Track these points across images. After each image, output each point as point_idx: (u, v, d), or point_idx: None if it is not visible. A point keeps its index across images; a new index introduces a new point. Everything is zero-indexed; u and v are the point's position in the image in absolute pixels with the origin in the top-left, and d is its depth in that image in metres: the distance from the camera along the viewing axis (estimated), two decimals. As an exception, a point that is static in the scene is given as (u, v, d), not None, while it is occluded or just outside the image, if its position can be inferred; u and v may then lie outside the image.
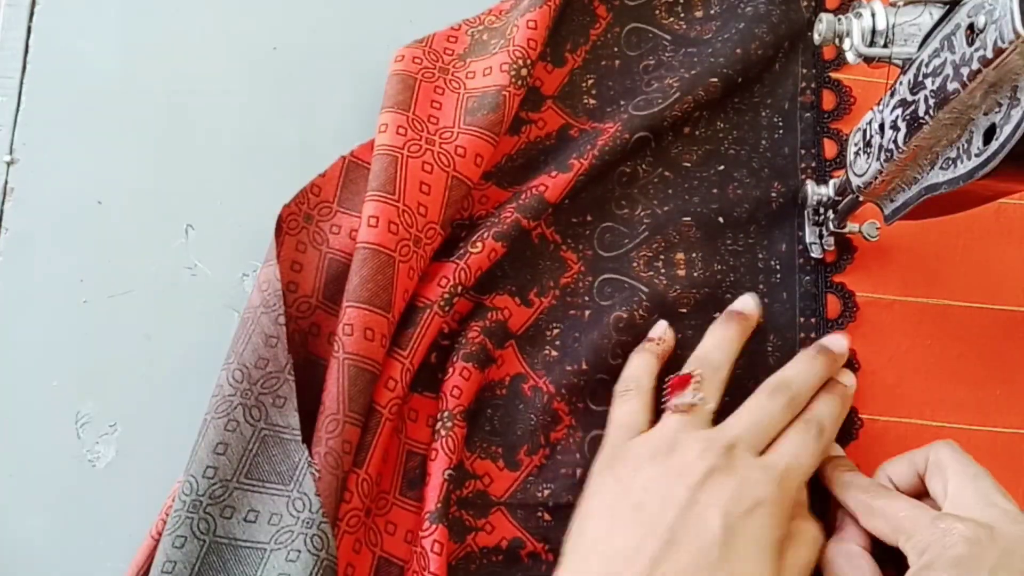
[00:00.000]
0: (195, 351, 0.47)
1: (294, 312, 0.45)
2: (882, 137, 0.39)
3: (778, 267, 0.49)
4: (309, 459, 0.41)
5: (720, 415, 0.44)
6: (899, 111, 0.37)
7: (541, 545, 0.45)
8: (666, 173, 0.51)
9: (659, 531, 0.39)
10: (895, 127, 0.38)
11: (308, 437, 0.42)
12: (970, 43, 0.32)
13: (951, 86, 0.33)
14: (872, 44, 0.38)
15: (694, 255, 0.49)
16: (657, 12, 0.54)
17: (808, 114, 0.52)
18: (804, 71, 0.52)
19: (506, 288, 0.48)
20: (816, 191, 0.49)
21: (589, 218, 0.50)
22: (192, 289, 0.48)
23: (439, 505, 0.43)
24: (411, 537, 0.44)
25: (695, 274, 0.49)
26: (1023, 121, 0.30)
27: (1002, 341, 0.49)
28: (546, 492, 0.45)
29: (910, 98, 0.36)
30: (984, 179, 0.33)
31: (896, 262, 0.50)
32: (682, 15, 0.53)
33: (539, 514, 0.45)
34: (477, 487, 0.45)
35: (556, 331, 0.48)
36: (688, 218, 0.50)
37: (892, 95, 0.39)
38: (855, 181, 0.42)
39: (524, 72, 0.49)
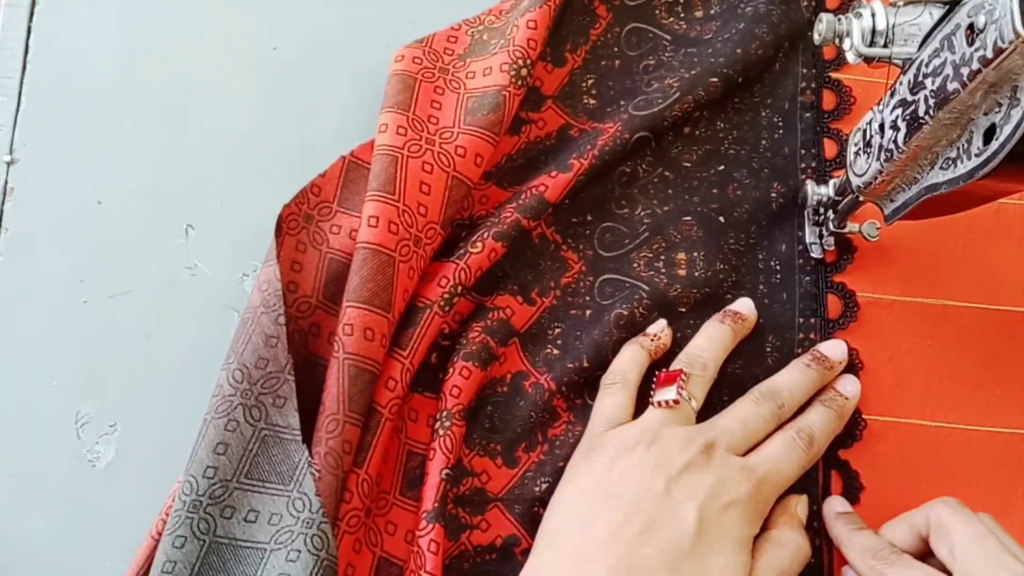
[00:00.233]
0: (195, 351, 0.47)
1: (294, 312, 0.45)
2: (882, 137, 0.39)
3: (778, 267, 0.49)
4: (309, 459, 0.41)
5: (713, 413, 0.44)
6: (899, 111, 0.37)
7: None
8: (666, 173, 0.51)
9: (636, 519, 0.39)
10: (895, 127, 0.38)
11: (308, 437, 0.42)
12: (970, 43, 0.32)
13: (951, 86, 0.33)
14: (872, 44, 0.38)
15: (695, 255, 0.49)
16: (657, 12, 0.54)
17: (808, 114, 0.52)
18: (804, 71, 0.52)
19: (508, 288, 0.48)
20: (816, 191, 0.49)
21: (589, 218, 0.50)
22: (192, 289, 0.48)
23: (436, 504, 0.43)
24: (411, 537, 0.44)
25: (696, 274, 0.49)
26: (1023, 121, 0.30)
27: (1002, 341, 0.49)
28: (543, 487, 0.45)
29: (910, 98, 0.36)
30: (984, 179, 0.33)
31: (896, 262, 0.50)
32: (682, 15, 0.53)
33: (535, 510, 0.45)
34: (475, 484, 0.45)
35: (558, 330, 0.48)
36: (689, 217, 0.50)
37: (892, 95, 0.39)
38: (855, 181, 0.42)
39: (524, 72, 0.49)
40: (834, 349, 0.46)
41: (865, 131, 0.41)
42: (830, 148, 0.51)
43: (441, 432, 0.44)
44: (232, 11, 0.53)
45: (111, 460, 0.46)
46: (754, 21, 0.51)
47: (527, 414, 0.46)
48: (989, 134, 0.33)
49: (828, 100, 0.52)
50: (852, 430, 0.47)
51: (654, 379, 0.45)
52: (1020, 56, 0.30)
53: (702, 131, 0.51)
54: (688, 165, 0.51)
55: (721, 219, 0.50)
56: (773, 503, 0.43)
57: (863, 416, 0.47)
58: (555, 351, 0.47)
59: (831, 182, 0.48)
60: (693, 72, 0.50)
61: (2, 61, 0.51)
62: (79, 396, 0.46)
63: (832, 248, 0.49)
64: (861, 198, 0.43)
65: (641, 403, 0.45)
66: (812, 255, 0.49)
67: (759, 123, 0.52)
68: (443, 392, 0.45)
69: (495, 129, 0.48)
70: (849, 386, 0.46)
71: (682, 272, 0.49)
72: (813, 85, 0.52)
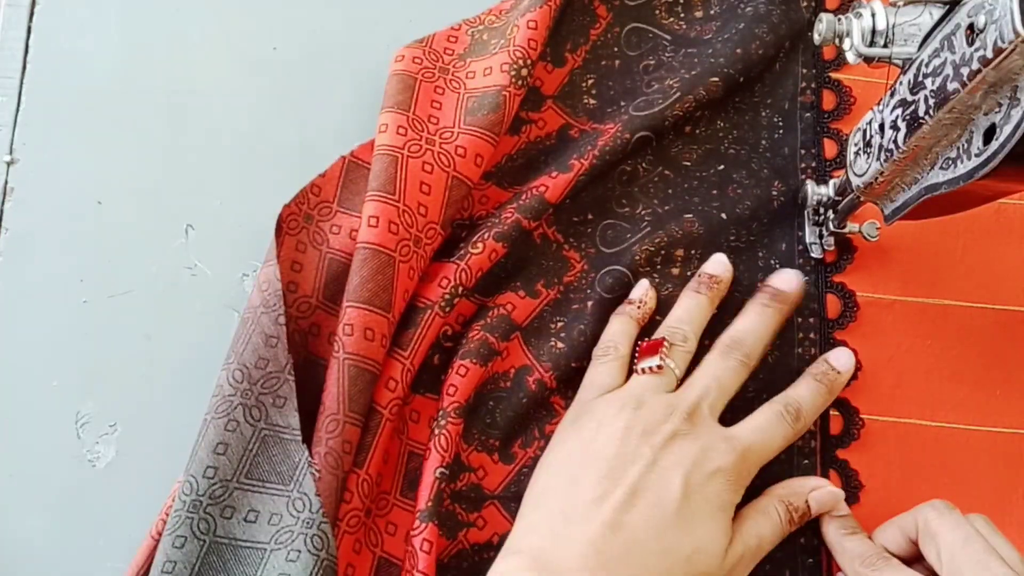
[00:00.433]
0: (195, 351, 0.47)
1: (294, 312, 0.45)
2: (882, 137, 0.39)
3: (778, 266, 0.49)
4: (309, 459, 0.41)
5: (725, 425, 0.44)
6: (899, 111, 0.37)
7: None
8: (666, 172, 0.51)
9: (621, 484, 0.40)
10: (895, 127, 0.38)
11: (308, 437, 0.42)
12: (970, 43, 0.32)
13: (951, 86, 0.33)
14: (872, 44, 0.38)
15: (693, 252, 0.49)
16: (657, 12, 0.54)
17: (808, 114, 0.52)
18: (804, 71, 0.52)
19: (510, 286, 0.48)
20: (816, 191, 0.49)
21: (590, 216, 0.50)
22: (192, 289, 0.48)
23: (430, 503, 0.43)
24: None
25: (689, 273, 0.49)
26: (1023, 121, 0.30)
27: (1002, 341, 0.49)
28: None
29: (910, 98, 0.36)
30: (984, 179, 0.33)
31: (896, 262, 0.50)
32: (682, 15, 0.53)
33: None
34: (471, 480, 0.45)
35: (560, 323, 0.48)
36: (690, 215, 0.50)
37: (892, 95, 0.39)
38: (855, 181, 0.42)
39: (524, 72, 0.49)
40: (786, 279, 0.47)
41: (865, 131, 0.41)
42: (830, 148, 0.51)
43: (436, 431, 0.44)
44: (232, 11, 0.53)
45: (111, 460, 0.46)
46: (754, 21, 0.51)
47: (527, 410, 0.46)
48: (989, 134, 0.33)
49: (828, 100, 0.52)
50: (850, 429, 0.47)
51: (636, 349, 0.46)
52: (1020, 56, 0.30)
53: (702, 131, 0.51)
54: (688, 164, 0.51)
55: (723, 216, 0.50)
56: (778, 476, 0.44)
57: (862, 416, 0.47)
58: (559, 344, 0.47)
59: (831, 182, 0.48)
60: (693, 73, 0.50)
61: (2, 61, 0.51)
62: (79, 396, 0.46)
63: (832, 248, 0.49)
64: (861, 198, 0.43)
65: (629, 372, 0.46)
66: (812, 255, 0.49)
67: (759, 123, 0.52)
68: (441, 391, 0.45)
69: (495, 129, 0.48)
70: (842, 359, 0.46)
71: (676, 271, 0.49)
72: (813, 85, 0.52)
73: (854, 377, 0.47)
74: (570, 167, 0.48)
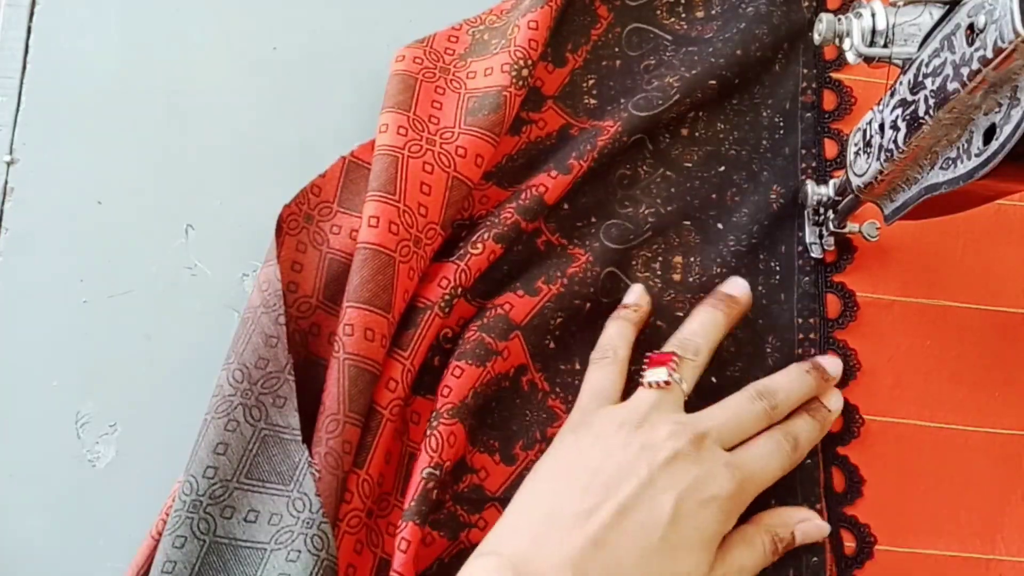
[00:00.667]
0: (195, 351, 0.47)
1: (294, 312, 0.45)
2: (882, 137, 0.39)
3: (778, 268, 0.49)
4: (309, 459, 0.41)
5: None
6: (899, 111, 0.37)
7: None
8: (668, 173, 0.51)
9: (611, 500, 0.39)
10: (895, 127, 0.38)
11: (308, 437, 0.42)
12: (970, 43, 0.32)
13: (951, 86, 0.33)
14: (872, 44, 0.38)
15: (692, 259, 0.49)
16: (658, 12, 0.54)
17: (809, 114, 0.52)
18: (805, 71, 0.52)
19: (509, 287, 0.48)
20: (816, 191, 0.49)
21: (593, 219, 0.50)
22: (192, 289, 0.48)
23: (413, 503, 0.42)
24: None
25: (690, 279, 0.49)
26: (1023, 121, 0.30)
27: (1001, 342, 0.49)
28: None
29: (910, 98, 0.36)
30: (984, 179, 0.33)
31: (896, 262, 0.50)
32: (683, 15, 0.53)
33: None
34: (473, 481, 0.45)
35: (559, 320, 0.47)
36: (688, 222, 0.50)
37: (892, 95, 0.39)
38: (855, 181, 0.42)
39: (525, 72, 0.49)
40: (832, 364, 0.46)
41: (865, 131, 0.41)
42: (831, 148, 0.51)
43: (428, 432, 0.44)
44: (232, 11, 0.53)
45: (111, 460, 0.46)
46: (755, 22, 0.51)
47: (523, 412, 0.46)
48: (989, 134, 0.33)
49: (829, 100, 0.52)
50: (849, 427, 0.47)
51: (645, 360, 0.45)
52: (1020, 56, 0.30)
53: (702, 133, 0.51)
54: (689, 165, 0.51)
55: (719, 225, 0.50)
56: (776, 504, 0.43)
57: (861, 415, 0.47)
58: (551, 344, 0.47)
59: (831, 182, 0.48)
60: (694, 72, 0.50)
61: (2, 61, 0.51)
62: (79, 396, 0.46)
63: (832, 248, 0.49)
64: (861, 198, 0.43)
65: (629, 378, 0.45)
66: (812, 255, 0.49)
67: (760, 123, 0.52)
68: (437, 392, 0.45)
69: (496, 129, 0.48)
70: (834, 400, 0.46)
71: (677, 277, 0.49)
72: (814, 85, 0.52)
73: (853, 377, 0.47)
74: (569, 168, 0.48)
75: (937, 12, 0.36)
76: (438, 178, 0.46)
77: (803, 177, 0.51)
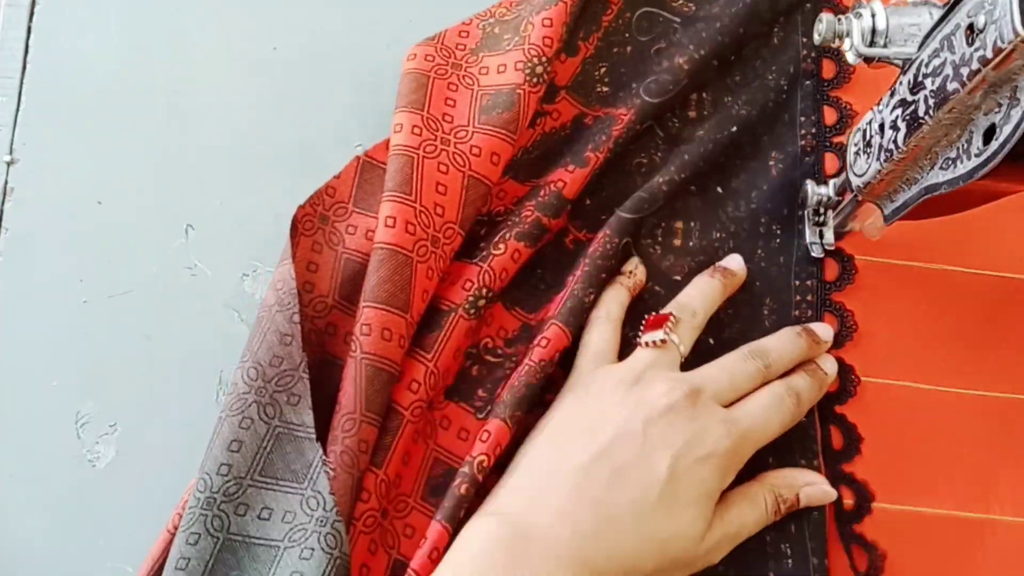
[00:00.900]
0: (195, 351, 0.47)
1: (310, 312, 0.45)
2: (882, 137, 0.39)
3: (778, 231, 0.50)
4: (323, 457, 0.41)
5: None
6: (899, 111, 0.37)
7: None
8: (680, 148, 0.51)
9: (608, 458, 0.40)
10: (895, 127, 0.38)
11: (324, 436, 0.42)
12: (970, 43, 0.32)
13: (951, 86, 0.33)
14: (872, 44, 0.38)
15: (692, 224, 0.49)
16: None
17: (808, 82, 0.52)
18: (804, 40, 0.53)
19: (548, 299, 0.48)
20: (816, 191, 0.49)
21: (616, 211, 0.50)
22: (192, 289, 0.48)
23: (447, 505, 0.41)
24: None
25: (691, 243, 0.49)
26: (1023, 121, 0.31)
27: (1000, 307, 0.49)
28: None
29: (910, 98, 0.36)
30: (984, 179, 0.33)
31: (895, 226, 0.49)
32: None
33: None
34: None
35: (591, 297, 0.46)
36: (693, 186, 0.50)
37: (892, 95, 0.39)
38: (855, 181, 0.42)
39: (540, 70, 0.48)
40: (823, 330, 0.47)
41: (865, 131, 0.41)
42: (830, 115, 0.52)
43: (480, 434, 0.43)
44: (232, 11, 0.53)
45: (111, 460, 0.46)
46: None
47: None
48: (989, 134, 0.33)
49: (828, 69, 0.53)
50: (846, 386, 0.47)
51: (642, 322, 0.45)
52: (1020, 56, 0.30)
53: (709, 111, 0.52)
54: (701, 133, 0.51)
55: (719, 189, 0.50)
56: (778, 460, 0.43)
57: (857, 375, 0.47)
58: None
59: (831, 182, 0.48)
60: (702, 52, 0.50)
61: (2, 61, 0.51)
62: (79, 396, 0.46)
63: (832, 247, 0.49)
64: (861, 198, 0.43)
65: (626, 342, 0.45)
66: (812, 255, 0.49)
67: (766, 88, 0.52)
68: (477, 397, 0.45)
69: (511, 127, 0.48)
70: (828, 363, 0.46)
71: (677, 242, 0.49)
72: (813, 54, 0.53)
73: (849, 339, 0.48)
74: (586, 161, 0.48)
75: (937, 12, 0.36)
76: (453, 178, 0.46)
77: (802, 143, 0.51)
